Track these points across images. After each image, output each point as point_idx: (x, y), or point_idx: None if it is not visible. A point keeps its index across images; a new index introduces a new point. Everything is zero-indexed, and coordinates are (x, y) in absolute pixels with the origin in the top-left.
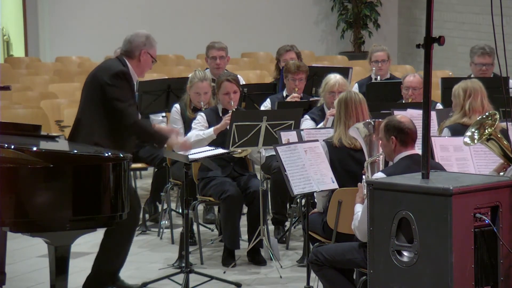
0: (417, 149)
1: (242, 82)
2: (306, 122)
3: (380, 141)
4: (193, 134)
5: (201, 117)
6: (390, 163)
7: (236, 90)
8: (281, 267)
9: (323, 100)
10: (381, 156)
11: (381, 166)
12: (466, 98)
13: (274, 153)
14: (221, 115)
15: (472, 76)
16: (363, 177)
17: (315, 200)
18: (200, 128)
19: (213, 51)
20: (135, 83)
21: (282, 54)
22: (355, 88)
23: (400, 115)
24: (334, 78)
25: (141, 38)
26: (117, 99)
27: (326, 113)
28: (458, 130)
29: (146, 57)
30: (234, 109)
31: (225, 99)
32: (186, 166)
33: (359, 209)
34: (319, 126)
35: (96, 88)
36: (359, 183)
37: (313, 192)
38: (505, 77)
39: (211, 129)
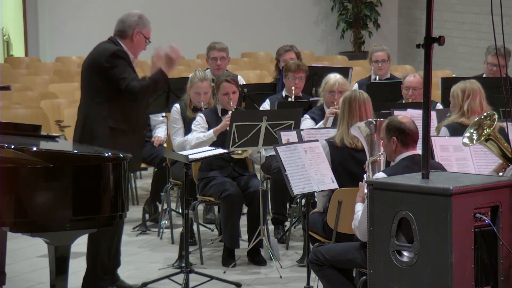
0: (418, 149)
1: (242, 82)
2: (306, 122)
3: (382, 141)
4: (193, 137)
5: (200, 118)
6: (392, 163)
7: (235, 90)
8: (281, 267)
9: (323, 99)
10: (382, 156)
11: (382, 166)
12: (465, 98)
13: (274, 153)
14: (220, 115)
15: (484, 75)
16: (364, 176)
17: (315, 200)
18: (201, 130)
19: (214, 52)
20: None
21: (281, 54)
22: (354, 88)
23: (402, 115)
24: (334, 77)
25: (134, 17)
26: (120, 79)
27: (326, 112)
28: (456, 129)
29: (139, 37)
30: (233, 109)
31: (224, 99)
32: (186, 166)
33: (360, 208)
34: (318, 125)
35: (97, 73)
36: (360, 182)
37: (313, 192)
38: (505, 77)
39: (211, 131)
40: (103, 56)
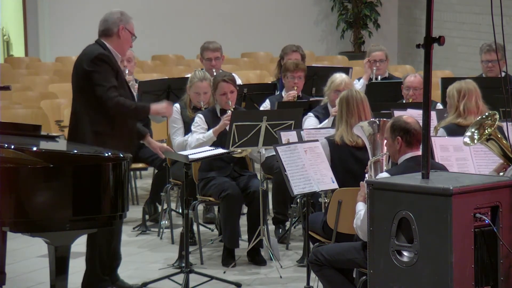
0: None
1: (239, 81)
2: (310, 119)
3: (385, 141)
4: (193, 139)
5: (199, 119)
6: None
7: (233, 90)
8: (281, 267)
9: (327, 99)
10: (385, 156)
11: (385, 166)
12: (461, 99)
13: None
14: (219, 115)
15: (483, 75)
16: (366, 175)
17: (315, 200)
18: (200, 131)
19: (208, 52)
20: (125, 67)
21: (287, 53)
22: (354, 83)
23: (406, 115)
24: (340, 77)
25: (116, 14)
26: (97, 85)
27: (330, 112)
28: (453, 130)
29: (125, 33)
30: (232, 108)
31: (222, 99)
32: (186, 166)
33: (361, 207)
34: (323, 123)
35: (81, 77)
36: (361, 182)
37: (313, 192)
38: (505, 76)
39: (211, 131)
40: (86, 59)
